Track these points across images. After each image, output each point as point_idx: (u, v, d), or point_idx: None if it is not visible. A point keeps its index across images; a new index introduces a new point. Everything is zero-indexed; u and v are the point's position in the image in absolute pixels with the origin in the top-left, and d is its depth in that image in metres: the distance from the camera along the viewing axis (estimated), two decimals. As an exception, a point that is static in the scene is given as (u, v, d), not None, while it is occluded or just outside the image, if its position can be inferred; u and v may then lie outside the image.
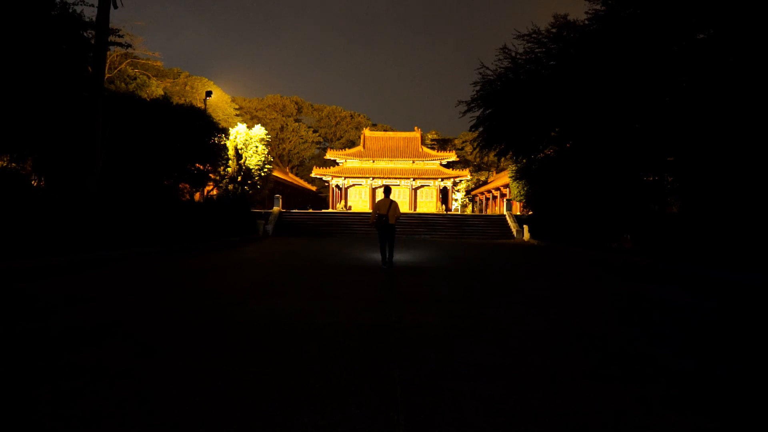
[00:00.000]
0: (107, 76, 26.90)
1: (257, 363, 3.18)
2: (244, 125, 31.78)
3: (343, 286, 7.10)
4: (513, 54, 14.07)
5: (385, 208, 10.04)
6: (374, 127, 71.64)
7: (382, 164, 47.96)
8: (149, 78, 35.14)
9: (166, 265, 9.87)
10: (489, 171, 63.14)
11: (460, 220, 31.91)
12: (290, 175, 61.44)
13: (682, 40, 11.47)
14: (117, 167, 14.80)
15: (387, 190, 10.60)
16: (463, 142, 66.85)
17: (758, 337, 4.31)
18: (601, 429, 2.25)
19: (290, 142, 69.03)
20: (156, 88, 34.13)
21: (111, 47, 14.92)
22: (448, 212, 43.93)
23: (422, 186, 47.61)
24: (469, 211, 58.04)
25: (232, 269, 9.42)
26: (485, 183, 57.28)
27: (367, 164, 47.97)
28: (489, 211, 50.62)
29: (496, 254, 15.28)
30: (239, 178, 29.37)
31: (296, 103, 74.04)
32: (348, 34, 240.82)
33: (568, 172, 16.27)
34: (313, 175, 49.05)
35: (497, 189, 46.81)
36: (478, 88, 15.17)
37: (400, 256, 13.19)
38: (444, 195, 48.52)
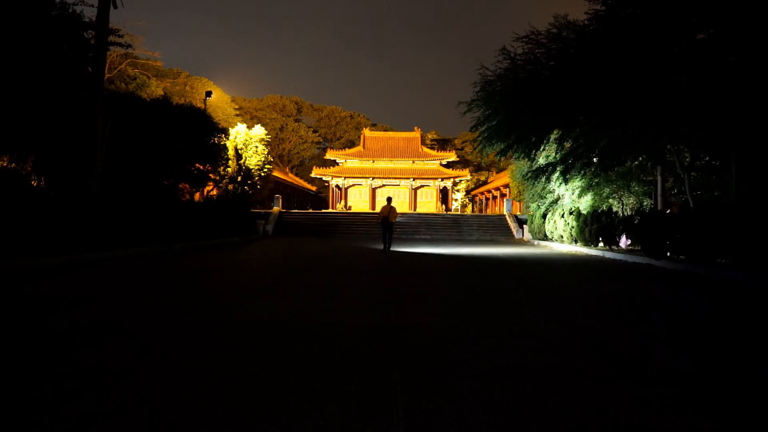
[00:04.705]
0: (107, 76, 26.89)
1: (257, 363, 3.19)
2: (244, 125, 31.80)
3: (343, 286, 7.10)
4: (512, 55, 14.05)
5: (387, 211, 15.21)
6: (374, 127, 71.59)
7: (382, 164, 47.95)
8: (149, 78, 35.15)
9: (166, 265, 9.87)
10: (489, 171, 63.12)
11: (459, 220, 31.91)
12: (290, 175, 61.43)
13: (682, 41, 11.47)
14: (117, 167, 14.81)
15: (389, 199, 15.97)
16: (463, 142, 66.87)
17: (758, 338, 4.31)
18: (601, 429, 2.25)
19: (290, 142, 69.03)
20: (156, 88, 34.14)
21: (111, 47, 14.91)
22: (448, 212, 43.93)
23: (422, 186, 47.60)
24: (468, 211, 58.03)
25: (232, 269, 9.42)
26: (485, 183, 57.27)
27: (367, 164, 47.96)
28: (489, 211, 50.63)
29: (495, 254, 15.28)
30: (239, 178, 29.39)
31: (296, 103, 74.03)
32: (348, 35, 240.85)
33: (567, 173, 16.27)
34: (313, 175, 49.06)
35: (497, 189, 46.81)
36: (477, 88, 15.16)
37: (398, 257, 13.19)
38: (444, 195, 48.51)
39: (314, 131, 72.78)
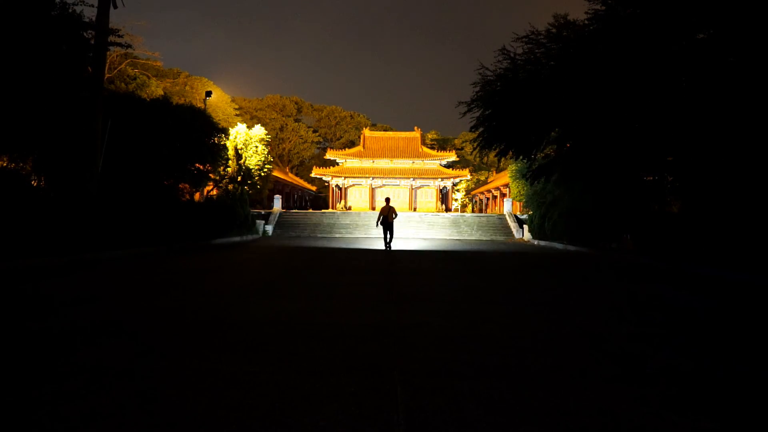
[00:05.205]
0: (107, 76, 26.89)
1: (257, 363, 3.19)
2: (244, 125, 31.80)
3: (342, 286, 7.10)
4: (512, 55, 14.05)
5: (386, 211, 16.52)
6: (374, 127, 71.63)
7: (382, 164, 47.96)
8: (149, 78, 35.17)
9: (167, 265, 9.87)
10: (489, 171, 63.15)
11: (459, 220, 31.92)
12: (290, 175, 61.43)
13: (682, 40, 11.46)
14: (117, 167, 14.80)
15: (387, 200, 17.66)
16: (463, 142, 66.92)
17: (758, 338, 4.31)
18: (600, 429, 2.25)
19: (290, 142, 69.05)
20: (156, 88, 34.15)
21: (111, 47, 14.90)
22: (448, 212, 43.95)
23: (422, 186, 47.62)
24: (468, 210, 58.04)
25: (232, 269, 9.42)
26: (485, 183, 57.30)
27: (367, 164, 47.98)
28: (489, 211, 50.64)
29: (495, 254, 15.28)
30: (239, 178, 29.37)
31: (296, 103, 74.04)
32: (348, 35, 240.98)
33: (567, 172, 16.25)
34: (313, 175, 49.08)
35: (497, 189, 46.83)
36: (477, 89, 15.14)
37: (398, 256, 13.19)
38: (444, 195, 48.53)
39: (314, 131, 72.80)
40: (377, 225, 16.69)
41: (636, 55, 11.46)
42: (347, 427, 2.22)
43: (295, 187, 57.38)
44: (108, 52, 16.26)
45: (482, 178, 61.84)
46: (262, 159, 30.62)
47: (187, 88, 45.18)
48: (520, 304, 5.83)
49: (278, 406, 2.45)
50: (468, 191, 60.33)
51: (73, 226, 10.84)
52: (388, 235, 16.24)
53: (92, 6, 13.28)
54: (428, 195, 47.92)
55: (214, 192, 27.43)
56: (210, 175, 22.09)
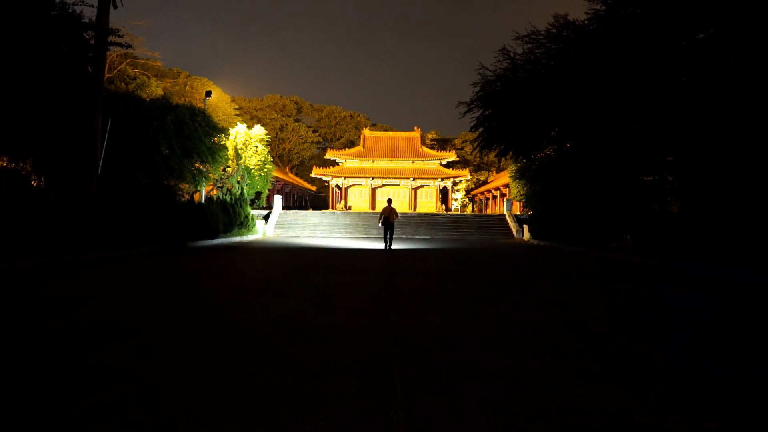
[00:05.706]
0: (107, 76, 26.86)
1: (257, 363, 3.18)
2: (244, 125, 31.79)
3: (342, 286, 7.10)
4: (512, 55, 14.10)
5: (388, 212, 16.48)
6: (374, 127, 71.58)
7: (382, 164, 47.92)
8: (149, 78, 35.13)
9: (166, 265, 9.87)
10: (489, 171, 63.11)
11: (459, 220, 31.91)
12: (290, 175, 61.43)
13: (682, 40, 11.47)
14: (117, 167, 14.81)
15: (389, 200, 18.03)
16: (463, 142, 66.85)
17: (758, 338, 4.31)
18: (600, 429, 2.25)
19: (290, 142, 69.03)
20: (156, 88, 34.12)
21: (111, 47, 14.90)
22: (448, 212, 43.94)
23: (422, 186, 47.58)
24: (469, 210, 58.03)
25: (232, 269, 9.42)
26: (485, 183, 57.28)
27: (367, 164, 47.94)
28: (489, 211, 50.61)
29: (495, 254, 15.28)
30: (239, 178, 29.36)
31: (296, 103, 74.01)
32: (348, 35, 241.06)
33: (567, 172, 16.27)
34: (313, 175, 49.03)
35: (497, 189, 46.80)
36: (477, 89, 15.19)
37: (398, 256, 13.19)
38: (444, 195, 48.51)
39: (314, 131, 72.77)
40: (379, 223, 16.76)
41: (636, 55, 11.46)
42: (347, 427, 2.22)
43: (295, 187, 57.38)
44: (108, 52, 16.26)
45: (482, 178, 61.82)
46: (262, 159, 30.61)
47: (187, 88, 45.14)
48: (521, 305, 5.83)
49: (278, 406, 2.45)
50: (468, 191, 60.31)
51: (73, 226, 10.84)
52: (389, 236, 16.34)
53: (92, 6, 13.29)
54: (428, 195, 47.88)
55: (214, 192, 27.42)
56: (210, 175, 22.08)
